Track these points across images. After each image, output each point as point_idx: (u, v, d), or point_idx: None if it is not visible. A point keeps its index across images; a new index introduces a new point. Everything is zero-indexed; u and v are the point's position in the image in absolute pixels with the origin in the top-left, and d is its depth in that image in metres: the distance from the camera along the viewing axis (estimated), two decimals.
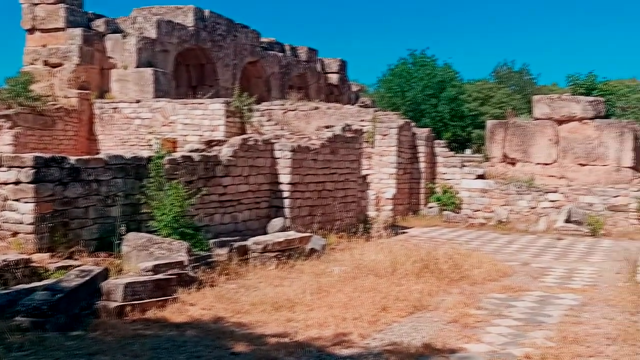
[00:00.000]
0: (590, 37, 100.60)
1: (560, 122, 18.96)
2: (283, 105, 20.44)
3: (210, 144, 12.34)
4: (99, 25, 21.67)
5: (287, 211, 12.37)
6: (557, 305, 7.66)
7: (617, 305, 7.56)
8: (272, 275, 8.79)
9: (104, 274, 7.40)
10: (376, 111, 19.93)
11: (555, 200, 17.39)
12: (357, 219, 14.59)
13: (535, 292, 8.45)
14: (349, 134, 14.68)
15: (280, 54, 28.41)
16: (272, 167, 12.53)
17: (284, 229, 11.33)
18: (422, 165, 18.97)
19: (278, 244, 9.80)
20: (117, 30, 21.87)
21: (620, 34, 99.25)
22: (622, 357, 5.49)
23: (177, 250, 8.30)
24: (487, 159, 20.07)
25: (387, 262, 9.09)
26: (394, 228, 15.09)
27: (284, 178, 12.51)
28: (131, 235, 8.62)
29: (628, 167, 18.19)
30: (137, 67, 21.13)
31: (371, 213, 16.45)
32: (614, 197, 17.08)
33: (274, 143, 12.68)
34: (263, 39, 27.71)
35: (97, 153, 16.72)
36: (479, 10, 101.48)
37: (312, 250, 10.47)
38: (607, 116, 20.03)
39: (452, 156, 19.82)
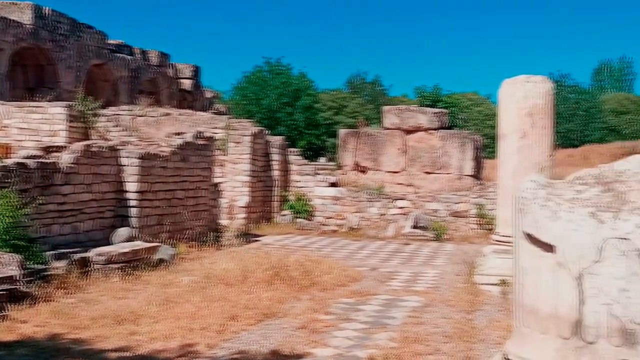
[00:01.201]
0: (439, 53, 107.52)
1: (408, 132, 20.03)
2: (132, 110, 19.75)
3: (48, 150, 11.65)
4: None
5: (134, 220, 11.95)
6: (401, 307, 8.06)
7: (455, 306, 8.10)
8: (116, 288, 8.44)
9: None
10: (230, 118, 19.89)
11: (404, 207, 18.33)
12: (209, 227, 14.42)
13: (382, 295, 8.84)
14: (201, 141, 14.51)
15: (130, 57, 27.45)
16: (118, 175, 12.05)
17: (130, 239, 10.94)
18: (276, 173, 19.19)
19: (123, 255, 9.45)
20: None
21: (464, 51, 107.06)
22: (457, 353, 5.89)
23: (8, 264, 7.72)
24: (339, 167, 20.72)
25: (237, 270, 9.06)
26: (247, 236, 15.09)
27: (131, 186, 12.09)
28: None
29: (469, 175, 19.60)
30: None
31: (224, 221, 16.35)
32: (456, 203, 18.33)
33: (120, 150, 12.22)
34: (110, 41, 26.63)
35: None
36: (334, 21, 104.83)
37: (161, 261, 10.21)
38: (450, 127, 21.48)
39: (306, 164, 20.24)
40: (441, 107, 21.91)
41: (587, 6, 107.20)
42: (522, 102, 10.01)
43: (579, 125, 47.46)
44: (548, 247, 3.58)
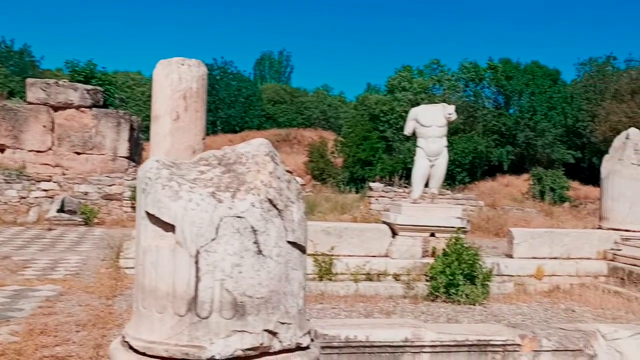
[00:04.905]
0: (101, 27, 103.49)
1: (56, 108, 18.93)
2: None
3: None
4: None
5: None
6: (32, 297, 7.60)
7: (96, 292, 7.96)
8: None
9: None
10: None
11: (49, 190, 17.35)
12: None
13: (12, 286, 8.21)
14: None
15: None
16: None
17: None
18: None
19: None
20: None
21: (128, 29, 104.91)
22: (88, 341, 5.77)
23: None
24: None
25: None
26: None
27: None
28: None
29: (124, 157, 19.37)
30: None
31: None
32: (110, 186, 17.97)
33: None
34: None
35: None
36: None
37: None
38: (105, 106, 20.90)
39: None
40: (96, 85, 21.14)
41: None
42: (177, 85, 10.21)
43: (239, 111, 50.52)
44: (169, 227, 3.69)
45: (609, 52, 60.52)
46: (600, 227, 12.60)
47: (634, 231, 12.03)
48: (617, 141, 12.77)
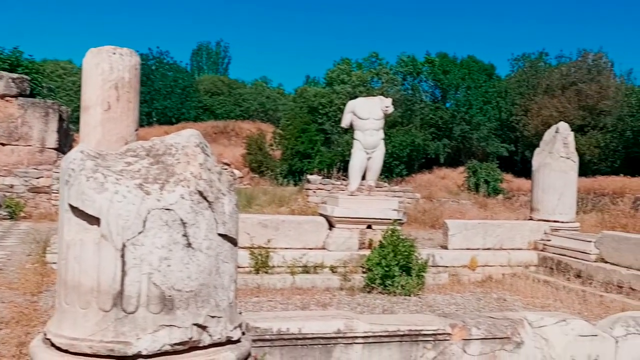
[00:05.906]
0: (25, 14, 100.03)
1: None
2: None
3: None
4: None
5: None
6: None
7: (20, 288, 7.72)
8: None
9: None
10: None
11: None
12: None
13: None
14: None
15: None
16: None
17: None
18: None
19: None
20: None
21: (54, 15, 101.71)
22: (12, 339, 5.59)
23: None
24: None
25: None
26: None
27: None
28: None
29: (52, 148, 18.79)
30: None
31: None
32: (37, 178, 17.42)
33: None
34: None
35: None
36: None
37: None
38: (32, 95, 20.21)
39: None
40: (22, 73, 20.41)
41: None
42: (108, 74, 9.95)
43: (176, 102, 49.73)
44: (94, 220, 3.59)
45: (542, 48, 62.25)
46: (531, 219, 13.00)
47: (562, 222, 12.46)
48: (548, 135, 13.17)
